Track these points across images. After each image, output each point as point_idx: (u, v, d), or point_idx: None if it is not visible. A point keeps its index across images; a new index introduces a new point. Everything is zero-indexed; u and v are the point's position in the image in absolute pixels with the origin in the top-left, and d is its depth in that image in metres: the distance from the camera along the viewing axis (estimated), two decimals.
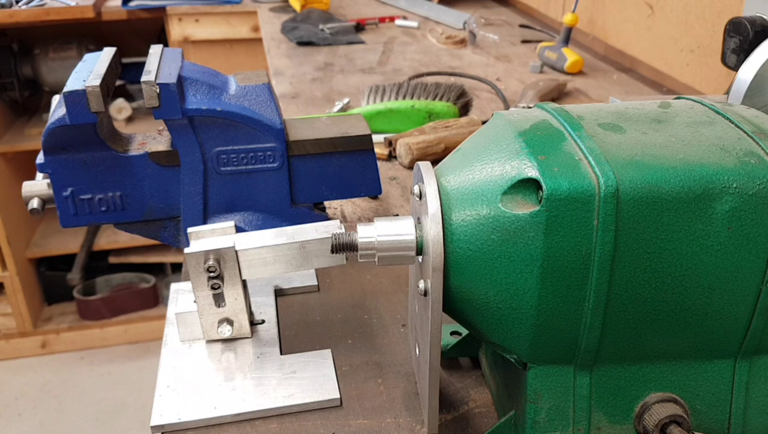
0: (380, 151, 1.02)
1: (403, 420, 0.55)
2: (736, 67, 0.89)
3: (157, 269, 2.53)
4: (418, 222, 0.47)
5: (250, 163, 0.73)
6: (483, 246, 0.43)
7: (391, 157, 1.03)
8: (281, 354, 0.62)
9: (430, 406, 0.49)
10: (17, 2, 2.12)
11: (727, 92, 0.86)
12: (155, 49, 0.74)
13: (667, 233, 0.41)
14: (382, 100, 1.12)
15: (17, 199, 2.21)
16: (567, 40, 1.47)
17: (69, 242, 2.37)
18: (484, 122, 1.04)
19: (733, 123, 0.45)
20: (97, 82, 0.65)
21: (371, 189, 0.80)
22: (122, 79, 2.46)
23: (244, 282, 0.61)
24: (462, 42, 1.68)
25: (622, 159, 0.41)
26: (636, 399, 0.46)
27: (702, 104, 0.49)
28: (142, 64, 0.70)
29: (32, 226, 2.42)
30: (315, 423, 0.55)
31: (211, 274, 0.58)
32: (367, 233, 0.48)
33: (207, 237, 0.60)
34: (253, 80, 0.74)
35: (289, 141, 0.74)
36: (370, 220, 0.48)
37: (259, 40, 1.91)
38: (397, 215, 0.47)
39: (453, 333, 0.63)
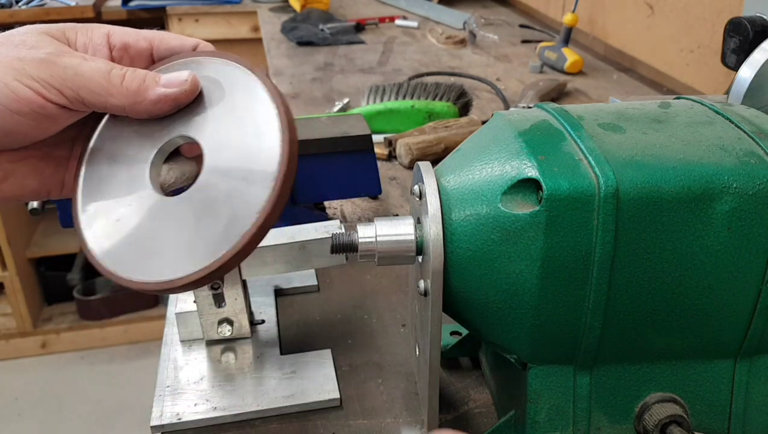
0: (380, 151, 1.02)
1: (403, 420, 0.55)
2: (736, 67, 0.89)
3: None
4: (418, 222, 0.47)
5: None
6: (483, 247, 0.43)
7: (391, 157, 1.03)
8: (281, 354, 0.62)
9: (430, 406, 0.49)
10: (17, 2, 2.12)
11: (727, 92, 0.86)
12: None
13: (667, 233, 0.41)
14: (382, 100, 1.12)
15: None
16: (567, 40, 1.47)
17: (69, 242, 2.37)
18: (484, 122, 1.04)
19: (733, 123, 0.45)
20: None
21: (371, 189, 0.80)
22: None
23: (244, 282, 0.61)
24: (462, 42, 1.68)
25: (622, 159, 0.41)
26: (636, 399, 0.46)
27: (702, 104, 0.49)
28: None
29: (32, 226, 2.42)
30: (315, 424, 0.55)
31: None
32: (367, 233, 0.48)
33: None
34: None
35: None
36: (370, 220, 0.48)
37: (259, 40, 1.91)
38: (397, 215, 0.47)
39: (453, 333, 0.63)
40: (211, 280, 0.41)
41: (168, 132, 0.45)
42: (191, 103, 0.45)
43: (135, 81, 0.43)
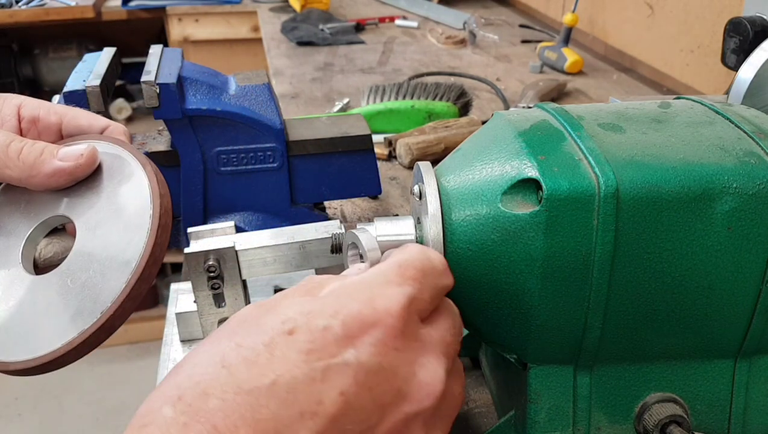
0: (380, 151, 1.02)
1: None
2: (736, 67, 0.89)
3: None
4: (418, 222, 0.47)
5: (250, 163, 0.73)
6: (483, 246, 0.43)
7: (391, 157, 1.03)
8: None
9: None
10: (17, 2, 2.12)
11: (727, 92, 0.86)
12: (155, 49, 0.74)
13: (666, 233, 0.41)
14: (382, 100, 1.12)
15: None
16: (567, 40, 1.47)
17: None
18: (484, 122, 1.04)
19: (733, 123, 0.45)
20: (97, 82, 0.65)
21: (371, 189, 0.80)
22: (122, 79, 2.46)
23: (244, 282, 0.61)
24: (462, 42, 1.68)
25: (622, 159, 0.41)
26: (636, 399, 0.46)
27: (702, 104, 0.49)
28: (142, 64, 0.70)
29: None
30: None
31: (211, 274, 0.58)
32: None
33: (207, 238, 0.60)
34: (253, 80, 0.74)
35: (289, 141, 0.74)
36: (370, 220, 0.48)
37: (259, 40, 1.92)
38: (397, 215, 0.47)
39: None
40: (45, 371, 0.40)
41: (54, 207, 0.45)
42: (86, 182, 0.44)
43: (32, 154, 0.43)
